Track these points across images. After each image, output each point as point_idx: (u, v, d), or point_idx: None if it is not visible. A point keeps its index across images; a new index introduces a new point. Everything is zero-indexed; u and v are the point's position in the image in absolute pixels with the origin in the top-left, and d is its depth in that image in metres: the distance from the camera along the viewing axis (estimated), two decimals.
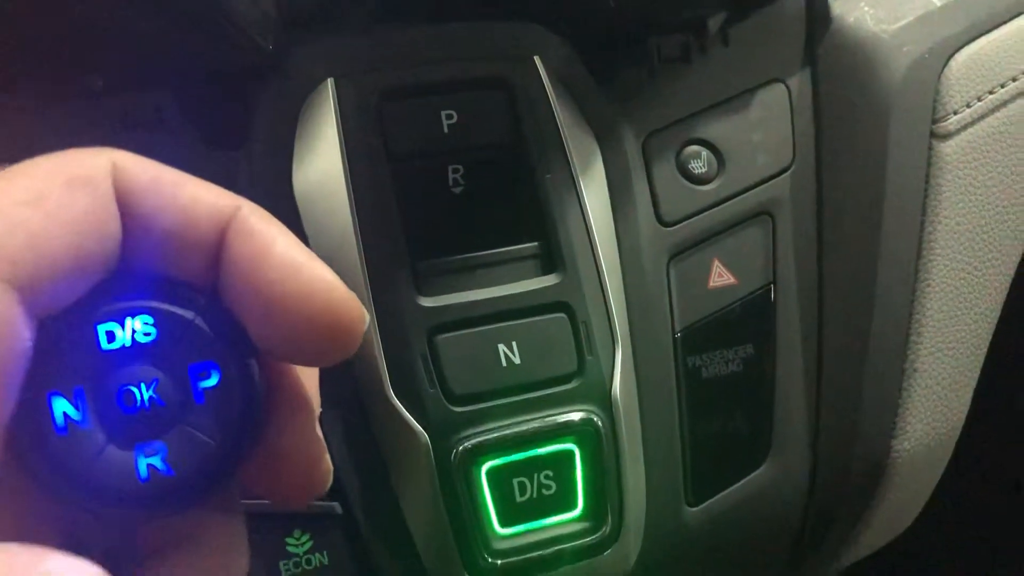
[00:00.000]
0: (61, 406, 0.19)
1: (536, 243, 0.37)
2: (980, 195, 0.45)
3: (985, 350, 0.47)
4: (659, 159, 0.41)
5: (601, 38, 0.42)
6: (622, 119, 0.41)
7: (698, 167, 0.42)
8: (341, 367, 0.35)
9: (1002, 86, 0.45)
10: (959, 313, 0.45)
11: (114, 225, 0.20)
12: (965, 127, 0.44)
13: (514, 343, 0.36)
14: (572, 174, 0.37)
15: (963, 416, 0.47)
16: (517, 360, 0.36)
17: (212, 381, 0.20)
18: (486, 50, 0.38)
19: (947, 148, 0.44)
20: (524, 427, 0.35)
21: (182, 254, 0.21)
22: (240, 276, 0.21)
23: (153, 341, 0.20)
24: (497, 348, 0.36)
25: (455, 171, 0.37)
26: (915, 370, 0.44)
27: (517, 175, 0.37)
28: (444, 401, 0.35)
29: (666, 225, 0.41)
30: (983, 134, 0.45)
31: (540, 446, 0.36)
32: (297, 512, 0.36)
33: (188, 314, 0.20)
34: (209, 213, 0.21)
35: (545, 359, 0.36)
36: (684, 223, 0.41)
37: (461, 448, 0.35)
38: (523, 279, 0.37)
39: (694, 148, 0.42)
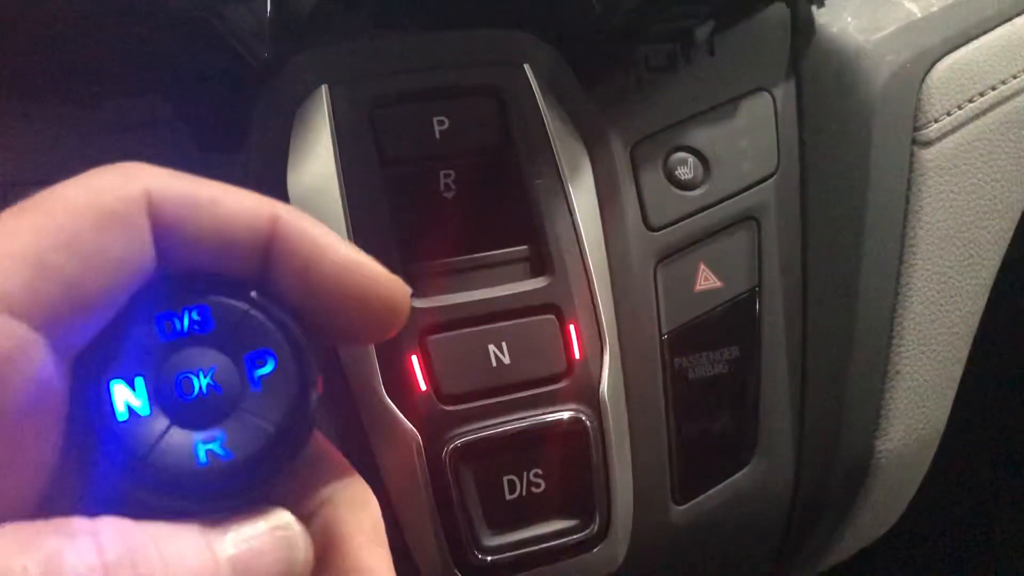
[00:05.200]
0: (122, 394, 0.20)
1: (526, 246, 0.38)
2: (960, 201, 0.46)
3: (967, 353, 0.48)
4: (646, 165, 0.42)
5: (590, 46, 0.42)
6: (610, 126, 0.42)
7: (685, 173, 0.42)
8: (333, 367, 0.36)
9: (981, 95, 0.46)
10: (940, 316, 0.45)
11: (150, 256, 0.20)
12: (946, 135, 0.45)
13: (504, 344, 0.36)
14: (561, 179, 0.38)
15: (945, 417, 0.47)
16: (507, 360, 0.36)
17: (268, 368, 0.21)
18: (477, 58, 0.39)
19: (928, 155, 0.45)
20: (513, 426, 0.36)
21: (225, 263, 0.21)
22: (294, 274, 0.21)
23: (209, 331, 0.21)
24: (487, 348, 0.36)
25: (446, 176, 0.38)
26: (897, 372, 0.45)
27: (507, 180, 0.38)
28: (435, 400, 0.35)
29: (653, 230, 0.41)
30: (963, 141, 0.46)
31: (529, 445, 0.36)
32: None
33: (242, 305, 0.21)
34: (249, 227, 0.21)
35: (534, 359, 0.37)
36: (671, 228, 0.42)
37: (452, 447, 0.35)
38: (513, 281, 0.37)
39: (681, 155, 0.43)
